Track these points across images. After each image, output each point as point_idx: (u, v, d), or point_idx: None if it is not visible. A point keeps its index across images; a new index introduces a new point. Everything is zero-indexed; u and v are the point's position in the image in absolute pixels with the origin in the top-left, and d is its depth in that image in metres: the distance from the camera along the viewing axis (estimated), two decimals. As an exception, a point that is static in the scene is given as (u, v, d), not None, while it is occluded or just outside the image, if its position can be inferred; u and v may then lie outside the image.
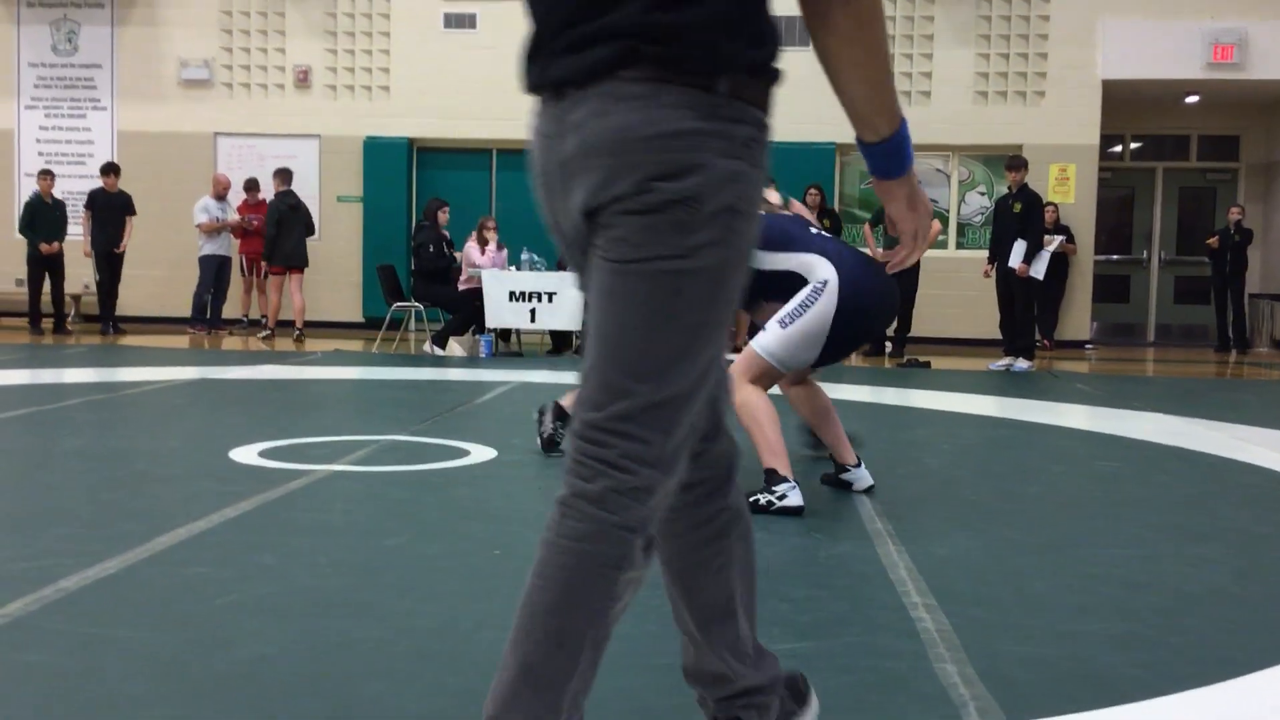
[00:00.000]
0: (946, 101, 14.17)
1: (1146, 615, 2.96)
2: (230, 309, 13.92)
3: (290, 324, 12.96)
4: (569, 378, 9.13)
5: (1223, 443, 6.00)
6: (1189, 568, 3.48)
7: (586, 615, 1.54)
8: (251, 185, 13.69)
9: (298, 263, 12.75)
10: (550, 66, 1.60)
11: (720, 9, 1.52)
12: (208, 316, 13.35)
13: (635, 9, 1.51)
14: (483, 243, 11.56)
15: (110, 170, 13.25)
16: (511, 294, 11.01)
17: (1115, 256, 15.65)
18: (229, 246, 13.54)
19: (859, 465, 4.51)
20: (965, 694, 2.32)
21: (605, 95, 1.53)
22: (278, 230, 12.62)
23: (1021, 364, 10.64)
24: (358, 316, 14.55)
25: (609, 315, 1.56)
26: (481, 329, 11.23)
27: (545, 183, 1.65)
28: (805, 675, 2.02)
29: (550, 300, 10.99)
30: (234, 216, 13.57)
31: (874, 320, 4.38)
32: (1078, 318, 14.24)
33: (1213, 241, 13.87)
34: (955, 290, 13.53)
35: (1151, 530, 4.00)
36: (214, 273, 13.31)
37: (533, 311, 11.01)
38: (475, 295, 11.11)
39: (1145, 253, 15.77)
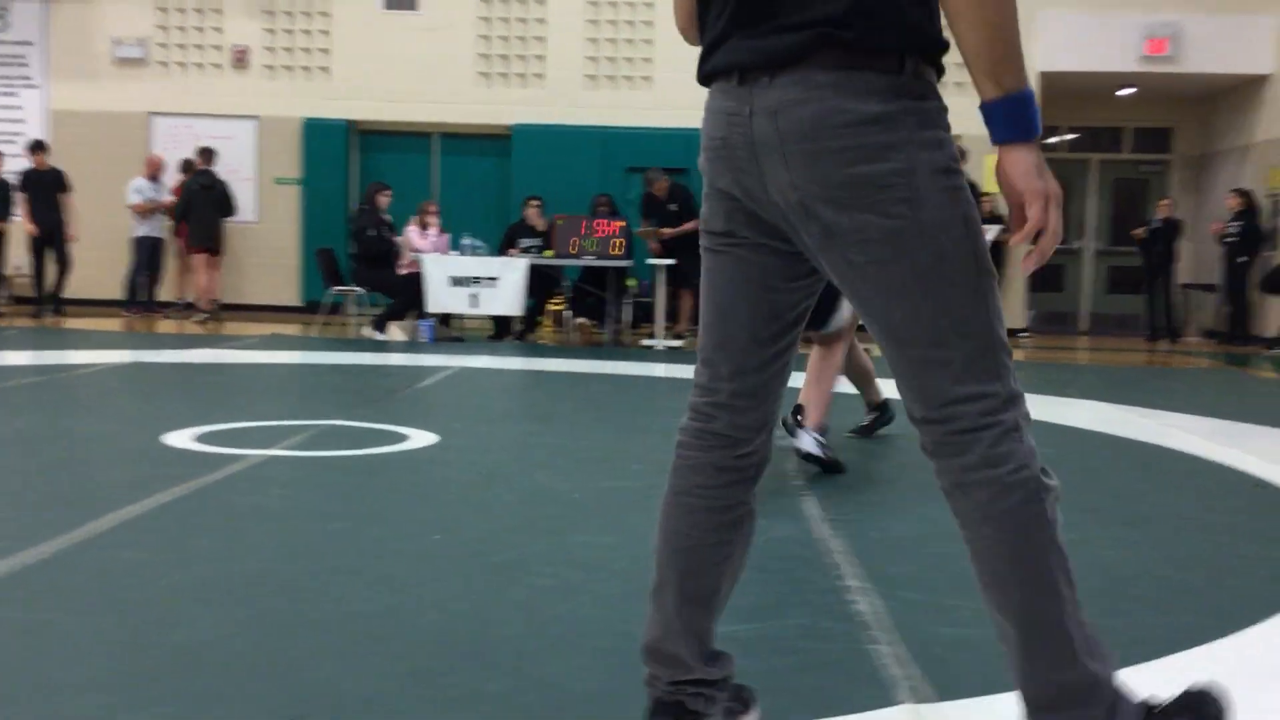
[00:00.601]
0: (887, 91, 14.25)
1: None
2: (165, 292, 13.72)
3: (231, 307, 12.87)
4: (511, 363, 9.12)
5: (1153, 429, 6.13)
6: (1119, 551, 3.56)
7: (1042, 556, 1.66)
8: (187, 166, 13.49)
9: (208, 244, 12.68)
10: (736, 53, 1.69)
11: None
12: (141, 299, 13.15)
13: (826, 1, 1.60)
14: (424, 227, 11.49)
15: (38, 148, 13.00)
16: (453, 278, 10.96)
17: (1050, 246, 15.88)
18: (163, 228, 13.34)
19: (812, 433, 4.59)
20: (897, 674, 2.37)
21: (796, 83, 1.63)
22: (186, 208, 12.59)
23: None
24: (296, 300, 14.39)
25: (890, 312, 1.66)
26: (422, 314, 11.17)
27: (725, 155, 1.75)
28: (753, 689, 2.04)
29: (492, 285, 10.95)
30: (168, 197, 13.37)
31: None
32: (1013, 306, 14.44)
33: (1139, 233, 14.12)
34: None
35: (1084, 515, 4.09)
36: (147, 255, 13.12)
37: (474, 296, 10.97)
38: (416, 280, 11.05)
39: (1079, 243, 16.03)
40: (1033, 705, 1.72)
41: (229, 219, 13.16)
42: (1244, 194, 13.22)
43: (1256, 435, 6.00)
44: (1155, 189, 15.71)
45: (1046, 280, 15.74)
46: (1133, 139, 15.98)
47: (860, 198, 1.61)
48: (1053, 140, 15.89)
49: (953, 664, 2.45)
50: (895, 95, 1.61)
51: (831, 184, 1.62)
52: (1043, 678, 1.69)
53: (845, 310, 4.79)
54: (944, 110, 1.67)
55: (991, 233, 11.78)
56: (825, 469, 4.61)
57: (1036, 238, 1.63)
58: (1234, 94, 14.33)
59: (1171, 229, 14.00)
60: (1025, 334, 14.37)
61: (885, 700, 2.23)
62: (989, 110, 1.61)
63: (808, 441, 4.59)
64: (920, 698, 2.24)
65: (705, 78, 1.79)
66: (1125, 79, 14.37)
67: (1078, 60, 13.86)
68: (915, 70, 1.63)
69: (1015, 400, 1.68)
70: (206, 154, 12.99)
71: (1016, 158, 1.62)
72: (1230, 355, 12.23)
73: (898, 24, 1.61)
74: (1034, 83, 13.91)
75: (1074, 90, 14.58)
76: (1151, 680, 2.42)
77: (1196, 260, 15.31)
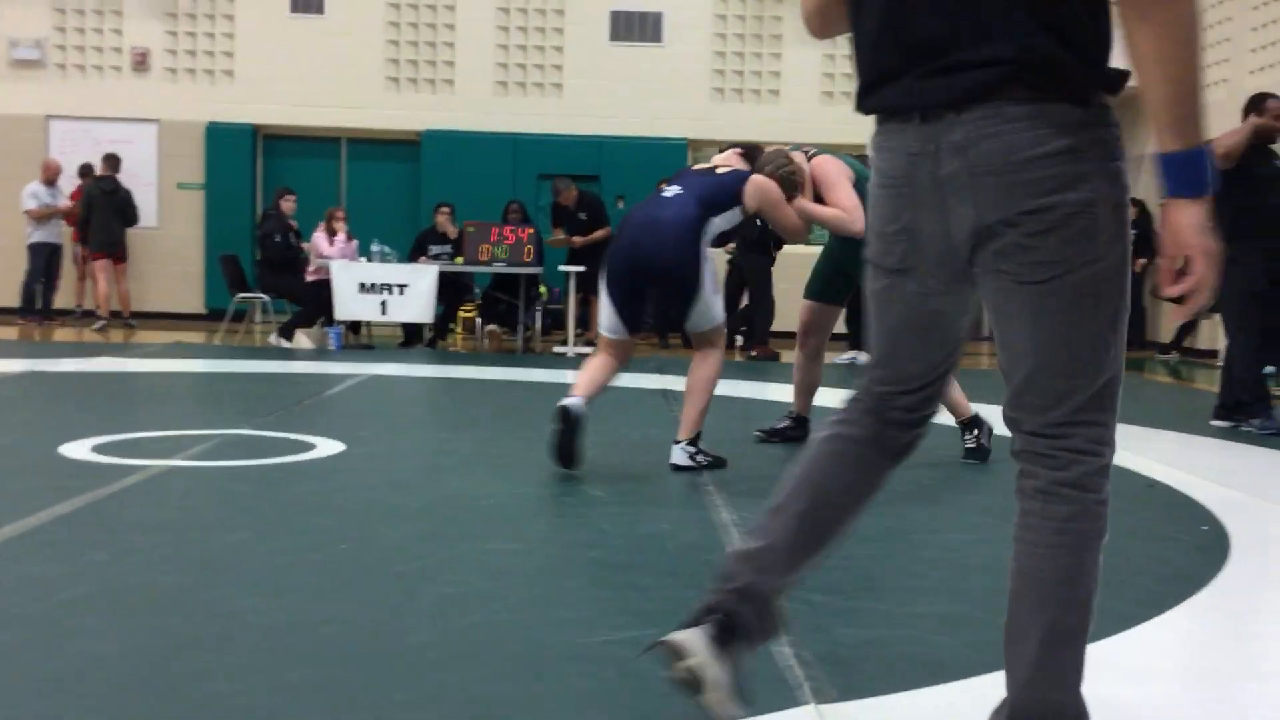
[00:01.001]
0: (794, 101, 14.48)
1: (976, 596, 3.10)
2: (63, 299, 13.36)
3: (133, 314, 12.62)
4: (421, 371, 9.05)
5: (1050, 433, 6.27)
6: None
7: (1089, 582, 1.78)
8: (86, 171, 13.17)
9: (111, 250, 12.49)
10: (917, 90, 1.75)
11: (1086, 34, 1.69)
12: (38, 307, 12.79)
13: (1012, 37, 1.67)
14: (331, 233, 11.35)
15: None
16: (361, 285, 10.83)
17: (954, 254, 16.20)
18: (60, 234, 13.00)
19: (683, 446, 4.80)
20: (801, 675, 2.40)
21: (988, 117, 1.69)
22: (87, 214, 12.46)
23: (864, 356, 10.94)
24: (200, 308, 14.12)
25: (1038, 329, 1.74)
26: (330, 321, 11.03)
27: (908, 193, 1.80)
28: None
29: (401, 292, 10.84)
30: (65, 202, 13.03)
31: (613, 275, 4.82)
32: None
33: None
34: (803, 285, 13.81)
35: (982, 515, 4.18)
36: (44, 261, 12.76)
37: (383, 304, 10.85)
38: (324, 286, 10.90)
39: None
40: (1020, 713, 1.80)
41: (131, 226, 12.88)
42: (1137, 203, 13.62)
43: (1150, 437, 6.17)
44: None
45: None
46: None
47: (1043, 223, 1.69)
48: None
49: (856, 665, 2.49)
50: (1084, 126, 1.69)
51: (1016, 210, 1.69)
52: (1041, 692, 1.78)
53: (717, 313, 4.80)
54: (1121, 140, 1.75)
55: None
56: (714, 469, 4.80)
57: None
58: (1127, 107, 14.69)
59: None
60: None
61: (789, 701, 2.26)
62: (1166, 162, 1.66)
63: (677, 455, 4.80)
64: (823, 698, 2.28)
65: (872, 112, 1.85)
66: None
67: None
68: (1100, 100, 1.72)
69: (1114, 441, 1.81)
70: (112, 160, 12.73)
71: (1187, 213, 1.66)
72: (1126, 360, 12.58)
73: (1081, 57, 1.69)
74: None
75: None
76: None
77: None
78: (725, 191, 4.78)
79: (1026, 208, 1.68)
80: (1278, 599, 3.31)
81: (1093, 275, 1.71)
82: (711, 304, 4.75)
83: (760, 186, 4.80)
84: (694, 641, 1.88)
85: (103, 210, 12.46)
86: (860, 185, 5.14)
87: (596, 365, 4.84)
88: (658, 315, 5.02)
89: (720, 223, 4.76)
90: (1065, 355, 1.74)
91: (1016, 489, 1.85)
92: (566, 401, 4.59)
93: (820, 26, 1.97)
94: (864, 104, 1.86)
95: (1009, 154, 1.68)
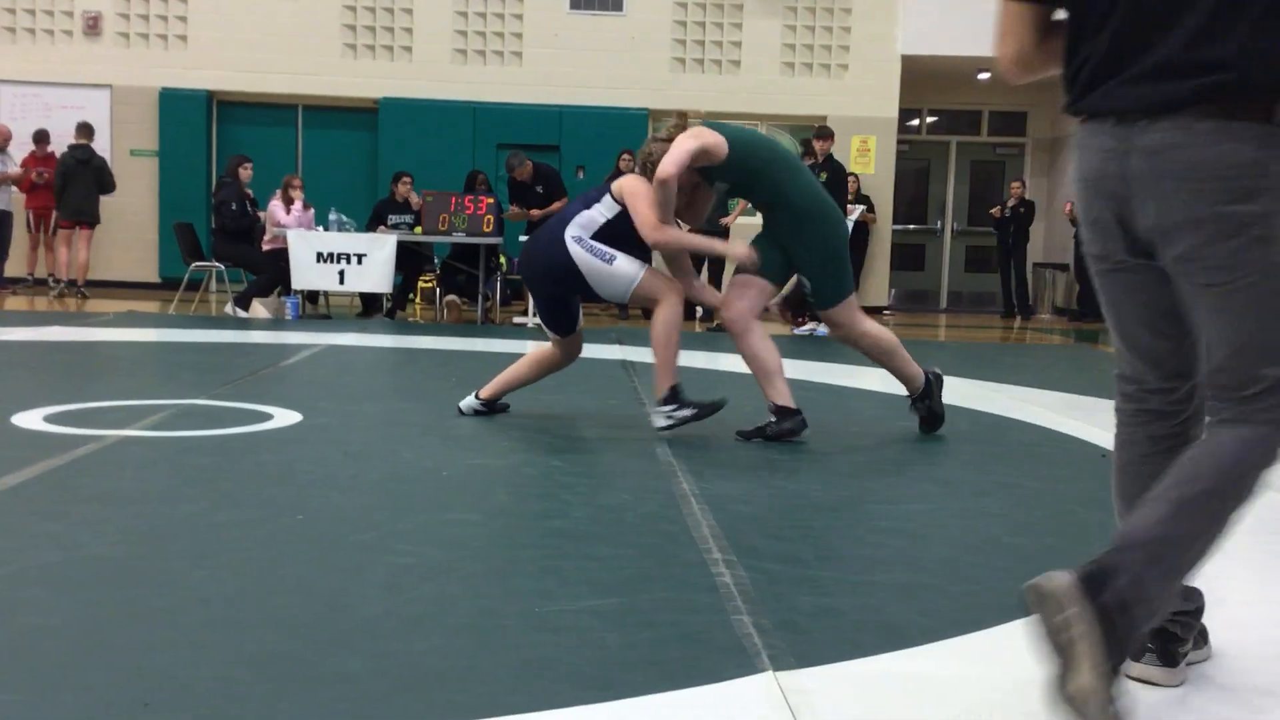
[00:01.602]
0: (754, 71, 14.45)
1: (930, 566, 3.13)
2: (15, 267, 13.15)
3: (87, 283, 12.43)
4: (379, 341, 8.99)
5: (1002, 403, 6.34)
6: (969, 520, 3.68)
7: (1238, 490, 1.92)
8: (41, 137, 12.95)
9: (84, 218, 12.35)
10: (1114, 95, 1.96)
11: (1273, 54, 1.84)
12: (-11, 275, 12.60)
13: (1201, 57, 1.85)
14: (288, 201, 11.23)
15: None
16: (319, 255, 10.73)
17: (912, 226, 16.27)
18: (9, 201, 12.79)
19: (657, 408, 4.89)
20: (759, 644, 2.41)
21: (1177, 127, 1.88)
22: (63, 183, 12.28)
23: (824, 329, 10.98)
24: (154, 277, 13.94)
25: (1221, 327, 1.94)
26: (287, 290, 10.93)
27: (1099, 186, 2.01)
28: (1206, 626, 2.36)
29: (360, 262, 10.75)
30: (14, 169, 12.81)
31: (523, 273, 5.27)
32: (877, 284, 14.76)
33: (995, 211, 14.59)
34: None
35: (936, 485, 4.22)
36: (-5, 228, 12.58)
37: (341, 273, 10.76)
38: (280, 255, 10.79)
39: (939, 223, 16.45)
40: (1100, 594, 1.82)
41: (107, 194, 12.70)
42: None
43: (1103, 408, 6.21)
44: (1011, 171, 16.19)
45: (909, 259, 16.12)
46: (989, 122, 16.43)
47: (1220, 231, 1.87)
48: (914, 123, 16.26)
49: (813, 633, 2.51)
50: (1266, 144, 1.85)
51: (1195, 217, 1.88)
52: (1140, 585, 1.85)
53: (625, 277, 4.87)
54: None
55: (855, 212, 12.02)
56: (702, 417, 4.86)
57: None
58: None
59: (1027, 210, 14.48)
60: (888, 311, 14.72)
61: (747, 669, 2.27)
62: None
63: (655, 418, 4.87)
64: (780, 666, 2.29)
65: (1078, 113, 2.05)
66: (984, 63, 14.76)
67: (938, 45, 14.18)
68: None
69: None
70: (83, 129, 12.58)
71: None
72: (1080, 332, 12.71)
73: (1271, 75, 1.84)
74: (895, 66, 14.31)
75: (934, 74, 14.93)
76: (994, 643, 2.52)
77: (1049, 240, 15.84)
78: (601, 188, 5.08)
79: (1204, 214, 1.87)
80: (1225, 565, 3.36)
81: (1266, 277, 1.88)
82: (611, 275, 4.87)
83: (624, 179, 5.00)
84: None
85: (78, 179, 12.31)
86: (747, 155, 4.82)
87: (525, 361, 5.26)
88: (566, 309, 5.17)
89: (596, 213, 4.93)
90: (1249, 350, 1.92)
91: (1206, 425, 1.99)
92: (460, 403, 5.29)
93: (1019, 74, 2.19)
94: (1070, 105, 2.06)
95: (1194, 164, 1.86)
